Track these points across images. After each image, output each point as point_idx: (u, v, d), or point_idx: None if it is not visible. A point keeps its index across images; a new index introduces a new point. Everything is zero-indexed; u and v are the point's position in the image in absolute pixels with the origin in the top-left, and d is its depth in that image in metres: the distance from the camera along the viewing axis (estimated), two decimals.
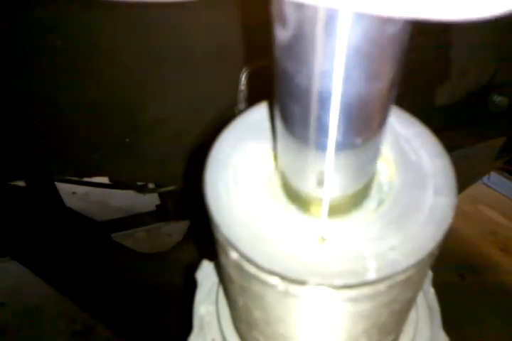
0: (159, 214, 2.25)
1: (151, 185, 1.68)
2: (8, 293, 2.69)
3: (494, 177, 3.45)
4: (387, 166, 0.39)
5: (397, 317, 0.41)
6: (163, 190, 1.48)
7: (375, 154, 0.36)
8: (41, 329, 2.56)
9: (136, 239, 2.62)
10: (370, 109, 0.30)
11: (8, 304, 2.67)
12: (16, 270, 1.95)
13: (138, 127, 1.15)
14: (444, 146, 0.40)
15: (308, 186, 0.36)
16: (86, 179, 2.04)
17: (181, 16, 0.93)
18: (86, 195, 3.28)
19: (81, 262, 1.54)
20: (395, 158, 0.38)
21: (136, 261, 1.64)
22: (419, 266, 0.34)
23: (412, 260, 0.33)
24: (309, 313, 0.37)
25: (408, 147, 0.39)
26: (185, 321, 0.59)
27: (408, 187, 0.37)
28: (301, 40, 0.26)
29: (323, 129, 0.30)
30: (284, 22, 0.26)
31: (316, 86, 0.28)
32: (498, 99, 1.42)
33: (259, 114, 0.43)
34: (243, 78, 1.05)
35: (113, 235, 1.91)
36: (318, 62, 0.26)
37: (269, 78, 0.34)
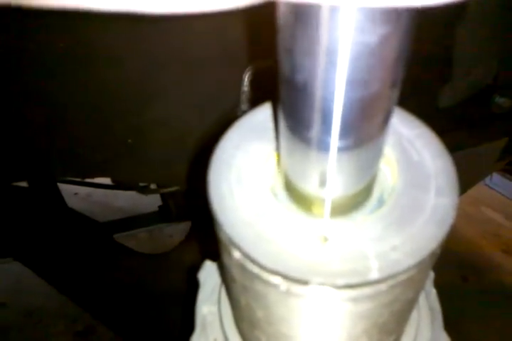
0: (161, 215, 2.25)
1: (153, 186, 1.69)
2: (10, 293, 2.70)
3: (496, 179, 3.44)
4: (389, 166, 0.39)
5: (398, 317, 0.41)
6: (165, 190, 1.48)
7: (378, 155, 0.36)
8: (43, 330, 2.56)
9: (138, 240, 2.63)
10: (373, 110, 0.30)
11: (10, 304, 2.67)
12: (17, 270, 1.95)
13: (140, 128, 1.16)
14: (446, 147, 0.40)
15: (310, 186, 0.36)
16: (88, 180, 2.05)
17: (184, 17, 0.94)
18: (88, 196, 3.29)
19: (83, 263, 1.54)
20: (398, 158, 0.39)
21: (137, 261, 1.64)
22: (420, 266, 0.34)
23: (413, 260, 0.33)
24: (311, 313, 0.37)
25: (411, 148, 0.39)
26: (187, 321, 0.59)
27: (410, 188, 0.37)
28: (303, 42, 0.27)
29: (325, 130, 0.31)
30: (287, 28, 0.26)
31: (318, 87, 0.28)
32: (500, 100, 1.42)
33: (262, 114, 0.43)
34: (246, 79, 1.05)
35: (115, 236, 1.92)
36: (321, 64, 0.27)
37: (273, 79, 0.34)
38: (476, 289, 2.74)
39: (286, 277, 0.34)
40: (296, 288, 0.34)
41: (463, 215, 3.29)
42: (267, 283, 0.35)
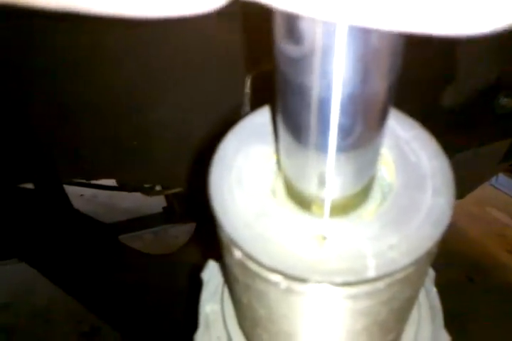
0: (166, 217, 2.26)
1: (158, 188, 1.70)
2: (15, 294, 2.72)
3: (502, 179, 3.43)
4: (387, 167, 0.40)
5: (397, 315, 0.42)
6: (170, 192, 1.49)
7: (376, 156, 0.37)
8: (49, 331, 2.58)
9: (143, 241, 2.64)
10: (370, 111, 0.31)
11: (16, 305, 2.69)
12: (23, 271, 1.97)
13: (145, 130, 1.17)
14: (445, 148, 0.41)
15: (309, 187, 0.37)
16: (94, 181, 2.07)
17: (185, 20, 0.95)
18: (94, 197, 3.31)
19: (88, 264, 1.56)
20: (395, 159, 0.39)
21: (143, 262, 1.65)
22: (417, 264, 0.35)
23: (409, 259, 0.34)
24: (311, 310, 0.38)
25: (408, 149, 0.40)
26: (191, 320, 0.60)
27: (407, 188, 0.38)
28: (300, 46, 0.27)
29: (323, 131, 0.31)
30: (285, 33, 0.27)
31: (316, 89, 0.29)
32: (504, 100, 1.42)
33: (262, 117, 0.44)
34: (249, 81, 1.06)
35: (120, 237, 1.93)
36: (317, 66, 0.27)
37: (273, 82, 0.35)
38: (482, 289, 2.74)
39: (286, 275, 0.35)
40: (295, 286, 0.35)
41: (468, 216, 3.28)
42: (267, 281, 0.36)
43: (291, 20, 0.26)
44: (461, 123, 1.43)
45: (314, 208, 0.37)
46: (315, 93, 0.29)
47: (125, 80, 1.04)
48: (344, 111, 0.30)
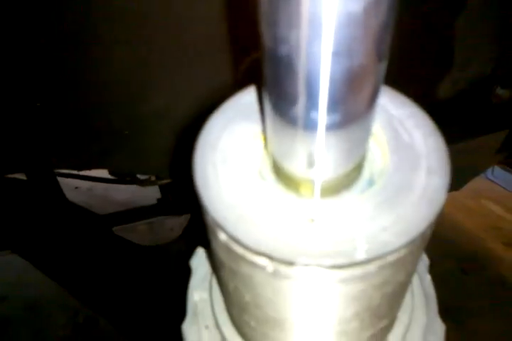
0: (160, 208, 2.25)
1: (152, 178, 1.68)
2: (10, 286, 2.70)
3: (497, 172, 3.43)
4: (379, 147, 0.38)
5: (389, 300, 0.40)
6: (163, 182, 1.47)
7: (367, 134, 0.35)
8: (44, 323, 2.57)
9: (138, 233, 2.63)
10: (360, 83, 0.29)
11: (11, 298, 2.68)
12: (18, 264, 1.95)
13: (137, 119, 1.15)
14: (440, 131, 0.39)
15: (298, 167, 0.35)
16: (88, 174, 2.05)
17: (182, 8, 0.92)
18: (88, 190, 3.30)
19: (82, 255, 1.54)
20: (388, 138, 0.38)
21: (137, 253, 1.64)
22: (410, 246, 0.33)
23: (403, 240, 0.32)
24: (299, 295, 0.36)
25: (401, 128, 0.38)
26: (181, 311, 0.58)
27: (401, 168, 0.36)
28: (286, 14, 0.26)
29: (312, 105, 0.30)
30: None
31: (303, 59, 0.27)
32: (500, 91, 1.41)
33: (249, 96, 0.42)
34: (242, 68, 1.04)
35: (114, 228, 1.92)
36: (305, 34, 0.26)
37: (261, 56, 0.33)
38: (476, 281, 2.75)
39: (272, 258, 0.33)
40: (282, 270, 0.34)
41: (463, 208, 3.29)
42: (253, 265, 0.35)
43: None
44: (458, 114, 1.41)
45: (303, 189, 0.36)
46: (302, 63, 0.28)
47: (117, 70, 1.02)
48: (333, 82, 0.28)
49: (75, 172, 1.92)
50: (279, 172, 0.37)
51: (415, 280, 0.55)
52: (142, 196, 2.59)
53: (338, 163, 0.35)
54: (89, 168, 1.38)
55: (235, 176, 0.36)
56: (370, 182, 0.36)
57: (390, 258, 0.33)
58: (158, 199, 2.26)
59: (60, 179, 1.74)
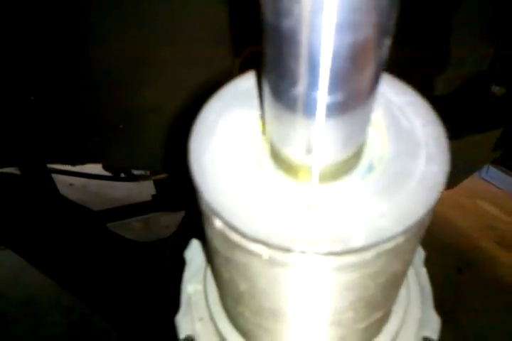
0: (155, 204, 2.24)
1: (147, 173, 1.67)
2: (5, 283, 2.68)
3: (492, 172, 3.44)
4: (379, 134, 0.37)
5: (385, 291, 0.40)
6: (157, 177, 1.46)
7: (366, 121, 0.34)
8: (39, 320, 2.56)
9: (132, 230, 2.62)
10: (363, 60, 0.28)
11: (6, 294, 2.66)
12: (13, 260, 1.94)
13: (131, 114, 1.14)
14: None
15: (296, 153, 0.34)
16: (83, 170, 2.03)
17: (178, 2, 0.92)
18: (83, 187, 3.28)
19: (76, 251, 1.53)
20: (388, 125, 0.37)
21: (131, 249, 1.63)
22: (407, 234, 0.33)
23: (400, 227, 0.32)
24: (295, 284, 0.36)
25: (401, 115, 0.38)
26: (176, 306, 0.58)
27: (400, 155, 0.35)
28: None
29: (313, 86, 0.29)
30: None
31: (304, 33, 0.26)
32: (496, 88, 1.41)
33: (247, 82, 0.41)
34: (239, 62, 1.04)
35: (109, 225, 1.90)
36: (307, 6, 0.25)
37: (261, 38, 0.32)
38: (471, 281, 2.75)
39: (268, 245, 0.32)
40: (278, 257, 0.33)
41: (458, 208, 3.29)
42: (249, 252, 0.34)
43: None
44: (453, 111, 1.41)
45: (301, 175, 0.35)
46: (305, 39, 0.27)
47: (111, 64, 1.01)
48: (336, 59, 0.27)
49: (69, 168, 1.91)
50: (276, 158, 0.36)
51: (411, 273, 0.55)
52: (137, 193, 2.58)
53: (337, 149, 0.34)
54: (84, 163, 1.37)
55: (232, 162, 0.35)
56: (369, 169, 0.36)
57: (387, 245, 0.33)
58: (153, 196, 2.25)
59: (54, 176, 1.73)
